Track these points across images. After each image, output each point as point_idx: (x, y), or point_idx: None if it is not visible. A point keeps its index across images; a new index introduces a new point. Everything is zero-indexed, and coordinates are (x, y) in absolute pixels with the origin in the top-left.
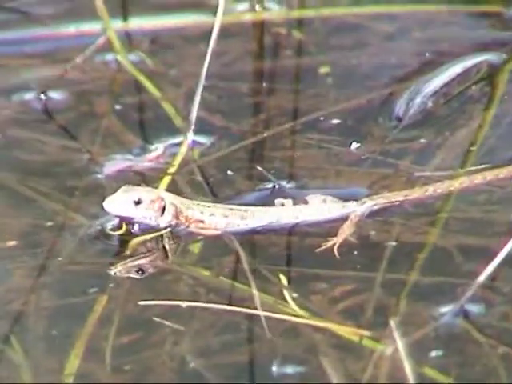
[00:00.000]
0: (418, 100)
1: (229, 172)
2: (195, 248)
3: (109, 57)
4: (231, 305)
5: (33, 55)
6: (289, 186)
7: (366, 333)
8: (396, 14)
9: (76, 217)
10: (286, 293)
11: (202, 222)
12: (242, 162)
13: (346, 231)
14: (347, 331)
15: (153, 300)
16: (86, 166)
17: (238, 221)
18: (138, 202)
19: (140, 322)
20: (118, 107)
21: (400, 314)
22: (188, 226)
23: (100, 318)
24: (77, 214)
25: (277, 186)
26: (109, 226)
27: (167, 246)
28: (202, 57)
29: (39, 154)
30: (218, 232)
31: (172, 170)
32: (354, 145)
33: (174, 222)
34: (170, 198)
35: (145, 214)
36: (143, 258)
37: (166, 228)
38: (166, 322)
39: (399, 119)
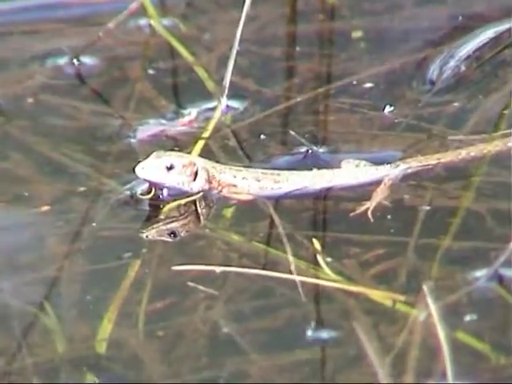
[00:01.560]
0: (451, 64)
1: (262, 136)
2: (228, 213)
3: (142, 21)
4: (265, 269)
5: (65, 20)
6: (322, 150)
7: (400, 297)
8: None
9: (109, 182)
10: (319, 257)
11: (234, 186)
12: (275, 126)
13: (379, 195)
14: (380, 296)
15: (186, 265)
16: (119, 131)
17: (271, 184)
18: (170, 168)
19: (173, 287)
20: (151, 72)
21: (433, 279)
22: (221, 191)
23: (133, 283)
24: (109, 179)
25: (310, 151)
26: (139, 190)
27: (200, 211)
28: (234, 22)
29: (72, 120)
30: (251, 197)
31: (205, 134)
32: (388, 108)
33: (206, 187)
34: (202, 162)
35: (177, 180)
36: (176, 221)
37: (198, 193)
38: (200, 287)
39: (432, 83)
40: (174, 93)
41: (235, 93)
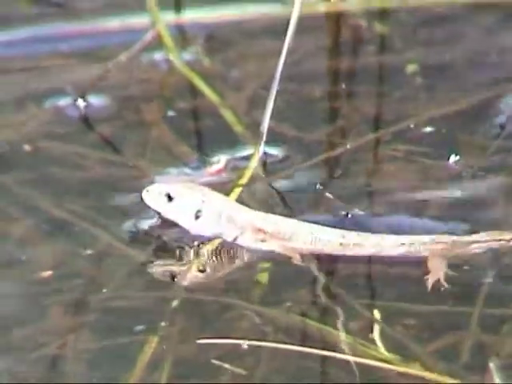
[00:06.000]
0: None
1: (318, 186)
2: (262, 277)
3: (158, 55)
4: (305, 346)
5: (69, 54)
6: (361, 213)
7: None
8: (497, 1)
9: (120, 244)
10: (375, 332)
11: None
12: (323, 175)
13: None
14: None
15: (211, 338)
16: (133, 184)
17: (337, 247)
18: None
19: (197, 365)
20: (170, 114)
21: (502, 356)
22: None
23: (150, 361)
24: (122, 240)
25: (348, 215)
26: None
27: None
28: (266, 54)
29: (77, 170)
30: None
31: (238, 187)
32: (453, 158)
33: (237, 234)
34: (220, 200)
35: (181, 216)
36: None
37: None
38: (226, 365)
39: (502, 127)
40: (198, 138)
41: (269, 139)
